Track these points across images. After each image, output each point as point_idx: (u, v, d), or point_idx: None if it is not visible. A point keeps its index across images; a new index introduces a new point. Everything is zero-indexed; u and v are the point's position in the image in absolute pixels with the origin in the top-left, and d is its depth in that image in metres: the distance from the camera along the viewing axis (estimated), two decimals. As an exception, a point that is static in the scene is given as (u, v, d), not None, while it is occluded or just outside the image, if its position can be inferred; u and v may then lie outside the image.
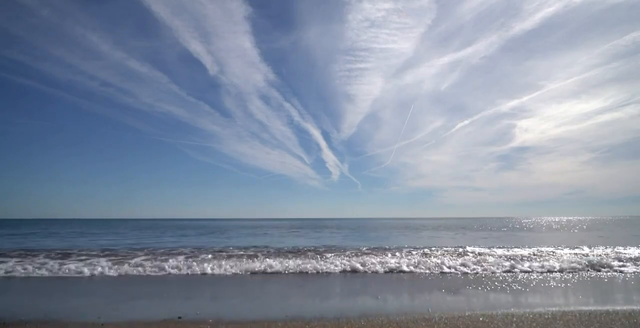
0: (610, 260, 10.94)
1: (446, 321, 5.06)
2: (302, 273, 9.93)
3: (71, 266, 10.66)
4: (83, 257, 12.87)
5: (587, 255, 12.65)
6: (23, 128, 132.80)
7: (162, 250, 15.18)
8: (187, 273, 9.98)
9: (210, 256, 12.99)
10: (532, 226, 48.36)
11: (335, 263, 10.62)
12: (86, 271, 10.06)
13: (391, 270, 10.10)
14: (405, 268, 10.19)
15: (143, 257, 12.69)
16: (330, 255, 13.16)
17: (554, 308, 5.70)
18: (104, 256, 13.32)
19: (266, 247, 17.25)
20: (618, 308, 5.70)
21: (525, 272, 9.83)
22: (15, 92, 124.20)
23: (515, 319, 5.09)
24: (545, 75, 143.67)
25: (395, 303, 6.46)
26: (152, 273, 10.00)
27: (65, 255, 13.48)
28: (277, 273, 9.98)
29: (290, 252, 14.63)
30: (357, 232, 34.07)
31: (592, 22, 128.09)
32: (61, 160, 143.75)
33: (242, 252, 14.28)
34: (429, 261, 10.75)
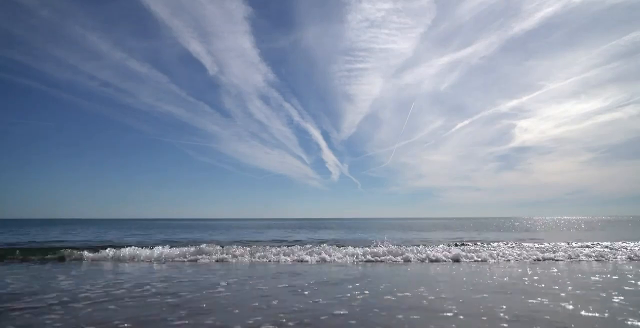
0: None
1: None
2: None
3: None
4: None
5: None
6: (23, 128, 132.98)
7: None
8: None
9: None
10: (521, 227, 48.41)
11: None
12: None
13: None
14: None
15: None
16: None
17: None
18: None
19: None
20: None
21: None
22: (15, 92, 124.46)
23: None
24: (544, 75, 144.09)
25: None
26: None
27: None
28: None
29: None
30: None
31: (592, 22, 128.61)
32: (61, 160, 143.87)
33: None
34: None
